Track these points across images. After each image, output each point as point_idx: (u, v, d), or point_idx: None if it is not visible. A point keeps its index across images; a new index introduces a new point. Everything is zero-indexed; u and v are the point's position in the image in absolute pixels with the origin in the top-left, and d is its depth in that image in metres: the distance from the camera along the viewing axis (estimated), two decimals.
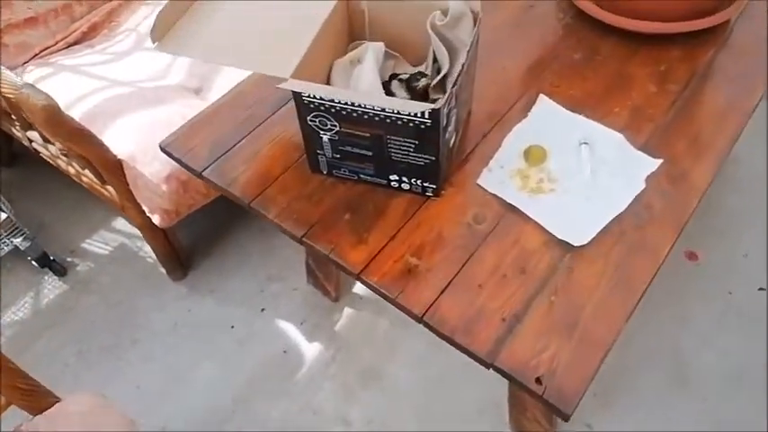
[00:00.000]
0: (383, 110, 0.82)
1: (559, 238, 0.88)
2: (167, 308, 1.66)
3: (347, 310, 1.63)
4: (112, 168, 1.36)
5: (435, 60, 0.97)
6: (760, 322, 1.51)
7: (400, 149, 0.88)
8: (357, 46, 0.99)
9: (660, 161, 0.96)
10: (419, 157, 0.88)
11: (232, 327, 1.61)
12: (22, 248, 1.64)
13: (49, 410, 1.02)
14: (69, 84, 1.51)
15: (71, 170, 1.52)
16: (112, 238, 1.82)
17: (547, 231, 0.89)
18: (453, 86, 0.82)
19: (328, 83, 0.96)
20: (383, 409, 1.45)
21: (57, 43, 1.66)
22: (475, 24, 0.91)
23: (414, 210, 0.93)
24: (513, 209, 0.92)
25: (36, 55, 1.63)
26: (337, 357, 1.54)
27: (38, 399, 1.04)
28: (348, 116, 0.85)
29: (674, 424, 1.37)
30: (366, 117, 0.84)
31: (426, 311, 0.82)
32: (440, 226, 0.91)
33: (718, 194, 1.73)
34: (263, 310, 1.65)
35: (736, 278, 1.60)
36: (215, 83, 1.54)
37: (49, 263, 1.69)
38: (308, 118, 0.88)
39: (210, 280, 1.71)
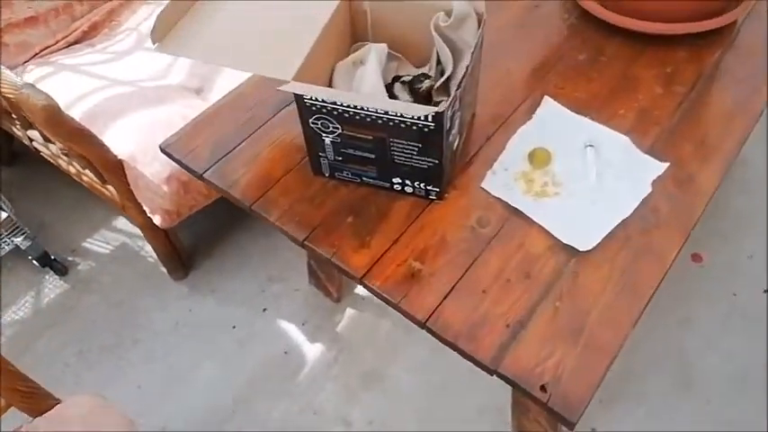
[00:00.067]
0: (386, 113, 0.81)
1: (565, 242, 0.87)
2: (168, 307, 1.65)
3: (349, 312, 1.62)
4: (113, 168, 1.35)
5: (439, 62, 0.96)
6: (764, 324, 1.50)
7: (403, 152, 0.87)
8: (360, 47, 0.98)
9: (667, 165, 0.95)
10: (422, 161, 0.87)
11: (233, 327, 1.61)
12: (22, 248, 1.63)
13: (49, 412, 1.02)
14: (70, 83, 1.50)
15: (72, 170, 1.51)
16: (113, 238, 1.82)
17: (552, 236, 0.88)
18: (457, 89, 0.81)
19: (330, 85, 0.95)
20: (385, 410, 1.44)
21: (57, 42, 1.65)
22: (479, 26, 0.90)
23: (417, 213, 0.92)
24: (517, 212, 0.91)
25: (36, 54, 1.62)
26: (339, 359, 1.53)
27: (38, 401, 1.03)
28: (351, 119, 0.84)
29: (678, 426, 1.36)
30: (369, 120, 0.83)
31: (429, 317, 0.81)
32: (443, 230, 0.90)
33: (723, 196, 1.72)
34: (264, 310, 1.64)
35: (740, 280, 1.59)
36: (216, 83, 1.53)
37: (49, 262, 1.68)
38: (310, 120, 0.87)
39: (212, 280, 1.71)
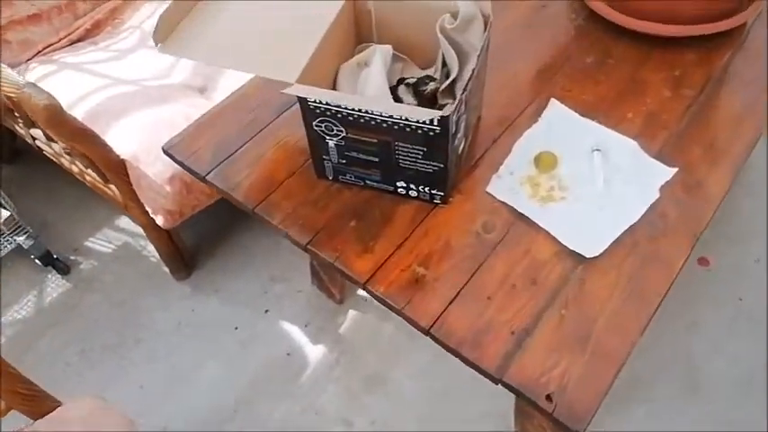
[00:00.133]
0: (391, 116, 0.80)
1: (571, 248, 0.85)
2: (171, 307, 1.65)
3: (352, 313, 1.61)
4: (115, 168, 1.34)
5: (444, 64, 0.95)
6: None
7: (408, 156, 0.85)
8: (364, 48, 0.97)
9: (675, 170, 0.94)
10: (427, 165, 0.86)
11: (236, 328, 1.60)
12: (25, 247, 1.62)
13: (50, 415, 1.01)
14: (72, 82, 1.49)
15: (74, 169, 1.51)
16: (116, 237, 1.81)
17: (558, 241, 0.87)
18: (463, 93, 0.80)
19: (335, 86, 0.94)
20: (386, 413, 1.43)
21: (60, 40, 1.64)
22: (485, 28, 0.88)
23: (421, 217, 0.91)
24: (523, 217, 0.90)
25: (39, 52, 1.61)
26: (341, 361, 1.53)
27: (38, 403, 1.03)
28: (355, 122, 0.83)
29: (684, 429, 1.35)
30: (373, 123, 0.82)
31: (433, 324, 0.80)
32: (448, 234, 0.89)
33: (729, 199, 1.68)
34: (266, 311, 1.63)
35: (747, 284, 1.58)
36: (219, 82, 1.52)
37: (52, 261, 1.68)
38: (314, 123, 0.86)
39: (215, 280, 1.70)
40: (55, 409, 1.02)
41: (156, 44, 0.83)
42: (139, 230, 1.68)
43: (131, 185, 1.38)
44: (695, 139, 0.99)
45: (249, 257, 1.73)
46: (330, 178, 0.96)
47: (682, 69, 1.11)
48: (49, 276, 1.72)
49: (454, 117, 0.79)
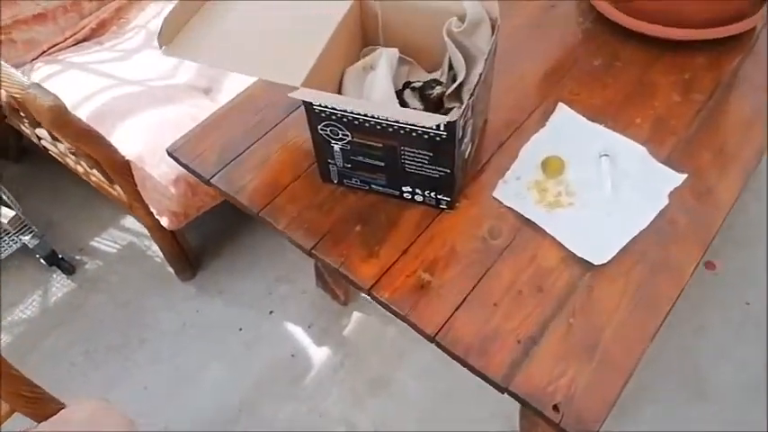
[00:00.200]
0: (397, 121, 0.79)
1: (578, 255, 0.84)
2: (176, 308, 1.65)
3: (356, 315, 1.61)
4: (120, 169, 1.34)
5: (451, 67, 0.94)
6: None
7: (414, 161, 0.85)
8: (370, 51, 0.96)
9: (685, 176, 0.92)
10: (434, 170, 0.85)
11: (240, 329, 1.60)
12: (30, 246, 1.63)
13: (53, 417, 1.01)
14: (77, 82, 1.49)
15: (79, 169, 1.51)
16: (121, 237, 1.81)
17: (565, 248, 0.86)
18: (470, 97, 0.79)
19: (340, 89, 0.93)
20: (390, 416, 1.43)
21: (65, 40, 1.64)
22: (493, 32, 0.87)
23: (427, 222, 0.90)
24: (529, 223, 0.89)
25: (44, 52, 1.61)
26: (345, 363, 1.52)
27: (42, 405, 1.02)
28: (360, 126, 0.82)
29: None
30: (379, 128, 0.81)
31: (439, 331, 0.79)
32: (453, 240, 0.88)
33: (737, 203, 1.68)
34: (271, 312, 1.63)
35: (754, 288, 1.56)
36: (224, 83, 1.51)
37: (57, 261, 1.68)
38: (319, 127, 0.85)
39: (219, 280, 1.70)
40: (58, 411, 1.02)
41: (161, 47, 0.82)
42: (145, 230, 1.68)
43: (136, 187, 1.38)
44: (705, 144, 0.98)
45: (254, 258, 1.73)
46: (335, 182, 0.95)
47: (691, 73, 1.09)
48: (54, 276, 1.72)
49: (461, 122, 0.78)
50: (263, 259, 1.72)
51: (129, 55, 1.59)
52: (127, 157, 1.34)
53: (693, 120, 1.02)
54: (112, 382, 1.51)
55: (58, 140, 1.42)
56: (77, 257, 1.76)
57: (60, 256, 1.69)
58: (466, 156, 0.90)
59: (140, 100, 1.44)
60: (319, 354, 1.55)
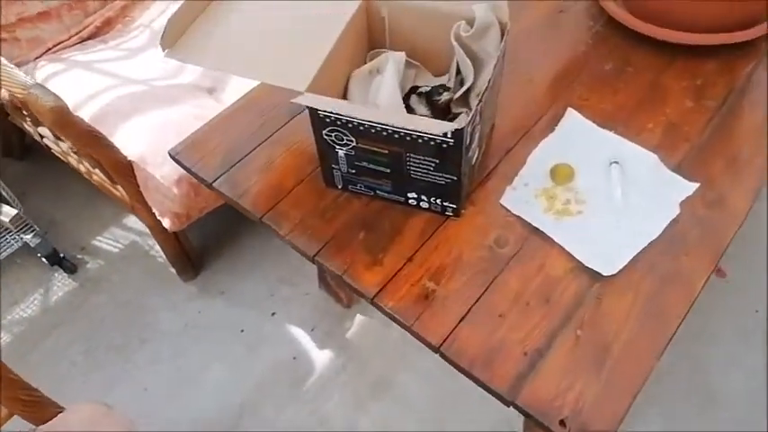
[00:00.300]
0: (403, 127, 0.77)
1: (587, 265, 0.83)
2: (177, 308, 1.64)
3: (359, 318, 1.60)
4: (122, 170, 1.32)
5: (458, 71, 0.92)
6: None
7: (420, 168, 0.83)
8: (377, 54, 0.94)
9: (697, 185, 0.90)
10: (440, 176, 0.83)
11: (242, 330, 1.59)
12: (31, 245, 1.62)
13: (52, 421, 1.00)
14: (81, 81, 1.48)
15: (82, 168, 1.50)
16: (123, 236, 1.80)
17: (574, 258, 0.84)
18: (478, 103, 0.77)
19: (346, 94, 0.91)
20: (392, 420, 1.41)
21: (70, 38, 1.62)
22: (502, 36, 0.85)
23: (432, 230, 0.89)
24: (537, 232, 0.87)
25: (49, 50, 1.60)
26: (348, 367, 1.51)
27: (40, 409, 1.02)
28: (366, 132, 0.80)
29: None
30: (385, 134, 0.79)
31: (444, 342, 0.77)
32: (459, 248, 0.87)
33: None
34: (273, 314, 1.62)
35: (764, 296, 1.54)
36: (229, 83, 1.50)
37: (58, 260, 1.67)
38: (324, 132, 0.84)
39: (221, 281, 1.69)
40: (57, 414, 1.01)
41: (164, 50, 0.81)
42: (147, 230, 1.67)
43: (138, 187, 1.37)
44: (717, 151, 0.96)
45: (257, 259, 1.71)
46: (339, 187, 0.93)
47: (703, 79, 1.07)
48: (56, 275, 1.71)
49: (468, 129, 0.76)
50: (266, 260, 1.71)
51: (133, 54, 1.58)
52: (129, 158, 1.33)
53: (706, 126, 0.99)
54: (113, 382, 1.51)
55: (60, 139, 1.41)
56: (79, 256, 1.75)
57: (62, 255, 1.68)
58: (473, 162, 0.88)
59: (144, 100, 1.42)
60: (321, 356, 1.53)
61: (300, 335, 1.58)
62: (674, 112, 1.02)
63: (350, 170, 0.89)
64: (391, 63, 0.87)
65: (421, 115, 0.88)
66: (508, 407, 0.73)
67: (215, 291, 1.67)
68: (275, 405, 1.46)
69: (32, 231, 1.60)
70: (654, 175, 0.92)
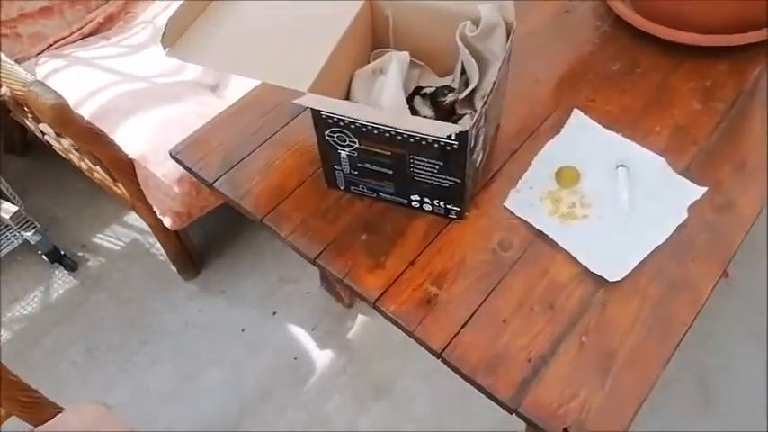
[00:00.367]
0: (406, 129, 0.76)
1: (592, 271, 0.81)
2: (178, 307, 1.63)
3: (360, 318, 1.59)
4: (123, 168, 1.31)
5: (463, 72, 0.90)
6: None
7: (423, 170, 0.82)
8: (380, 54, 0.93)
9: (705, 189, 0.89)
10: (443, 179, 0.82)
11: (243, 330, 1.58)
12: (32, 242, 1.61)
13: (50, 421, 1.00)
14: (83, 77, 1.47)
15: (83, 166, 1.49)
16: (124, 234, 1.79)
17: (579, 263, 0.82)
18: (483, 105, 0.76)
19: (349, 94, 0.90)
20: (394, 422, 1.41)
21: (72, 34, 1.61)
22: (508, 37, 0.84)
23: (435, 233, 0.87)
24: (542, 235, 0.86)
25: (50, 46, 1.59)
26: (348, 367, 1.50)
27: (39, 410, 1.01)
28: (368, 133, 0.79)
29: None
30: (388, 135, 0.78)
31: (446, 347, 0.76)
32: (462, 252, 0.85)
33: None
34: (274, 313, 1.61)
35: None
36: (232, 80, 1.49)
37: (59, 258, 1.66)
38: (326, 133, 0.82)
39: (222, 280, 1.68)
40: (56, 415, 1.01)
41: (165, 48, 0.79)
42: (148, 228, 1.66)
43: (139, 185, 1.36)
44: (726, 155, 0.94)
45: (258, 258, 1.71)
46: (342, 189, 0.92)
47: (712, 80, 1.05)
48: (56, 273, 1.70)
49: (473, 131, 0.75)
50: (267, 259, 1.70)
51: (135, 50, 1.57)
52: (130, 156, 1.32)
53: (714, 129, 0.98)
54: (113, 382, 1.50)
55: (61, 136, 1.40)
56: (80, 254, 1.74)
57: (63, 253, 1.67)
58: (477, 164, 0.87)
59: (145, 97, 1.41)
60: (322, 357, 1.52)
61: (301, 334, 1.57)
62: (682, 114, 1.00)
63: (352, 171, 0.87)
64: (395, 63, 0.86)
65: (425, 117, 0.86)
66: (511, 414, 0.72)
67: (216, 290, 1.66)
68: (276, 405, 1.45)
69: (33, 228, 1.60)
70: (661, 178, 0.90)
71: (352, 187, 0.91)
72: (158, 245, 1.67)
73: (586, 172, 0.92)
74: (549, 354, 0.75)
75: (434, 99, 0.86)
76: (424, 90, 0.88)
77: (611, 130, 0.98)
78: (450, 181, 0.82)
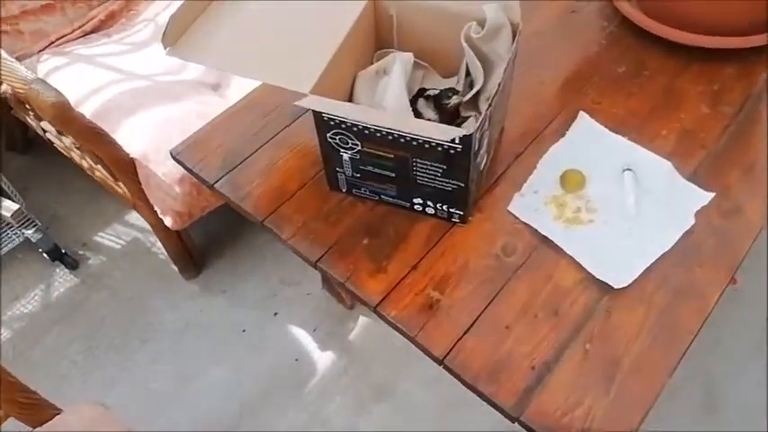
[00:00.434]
0: (409, 132, 0.75)
1: (597, 277, 0.80)
2: (179, 307, 1.62)
3: (362, 319, 1.58)
4: (124, 167, 1.31)
5: (468, 73, 0.89)
6: None
7: (426, 173, 0.80)
8: (384, 54, 0.92)
9: (712, 194, 0.87)
10: (446, 182, 0.80)
11: (243, 330, 1.57)
12: (33, 240, 1.60)
13: (49, 423, 0.99)
14: (84, 75, 1.46)
15: (84, 164, 1.48)
16: (126, 232, 1.78)
17: (584, 268, 0.81)
18: (488, 108, 0.75)
19: (351, 95, 0.89)
20: (395, 424, 1.40)
21: (74, 31, 1.60)
22: (514, 38, 0.83)
23: (438, 237, 0.86)
24: (546, 240, 0.85)
25: (52, 43, 1.58)
26: (350, 369, 1.49)
27: (37, 411, 1.00)
28: (371, 136, 0.78)
29: None
30: (390, 138, 0.77)
31: (448, 354, 0.75)
32: (465, 256, 0.84)
33: None
34: (275, 314, 1.60)
35: None
36: (234, 79, 1.48)
37: (60, 256, 1.66)
38: (328, 135, 0.81)
39: (223, 280, 1.67)
40: (54, 416, 1.00)
41: (165, 48, 0.78)
42: (149, 226, 1.65)
43: (140, 185, 1.35)
44: (734, 160, 0.93)
45: (259, 258, 1.70)
46: (343, 191, 0.91)
47: (720, 84, 1.04)
48: (57, 271, 1.70)
49: (477, 134, 0.74)
50: (269, 260, 1.69)
51: (137, 48, 1.56)
52: (131, 155, 1.31)
53: (722, 133, 0.96)
54: (113, 381, 1.49)
55: (62, 135, 1.40)
56: (81, 252, 1.73)
57: (64, 251, 1.66)
58: (481, 168, 0.85)
59: (147, 96, 1.40)
60: (324, 358, 1.51)
61: (302, 336, 1.56)
62: (690, 117, 0.99)
63: (354, 174, 0.86)
64: (398, 64, 0.84)
65: (428, 119, 0.85)
66: (513, 423, 0.71)
67: (217, 290, 1.65)
68: (276, 406, 1.44)
69: (34, 226, 1.59)
70: (668, 183, 0.89)
71: (354, 190, 0.90)
72: (159, 244, 1.66)
73: (592, 176, 0.91)
74: (552, 361, 0.74)
75: (438, 101, 0.85)
76: (428, 92, 0.86)
77: (617, 133, 0.97)
78: (453, 184, 0.80)
